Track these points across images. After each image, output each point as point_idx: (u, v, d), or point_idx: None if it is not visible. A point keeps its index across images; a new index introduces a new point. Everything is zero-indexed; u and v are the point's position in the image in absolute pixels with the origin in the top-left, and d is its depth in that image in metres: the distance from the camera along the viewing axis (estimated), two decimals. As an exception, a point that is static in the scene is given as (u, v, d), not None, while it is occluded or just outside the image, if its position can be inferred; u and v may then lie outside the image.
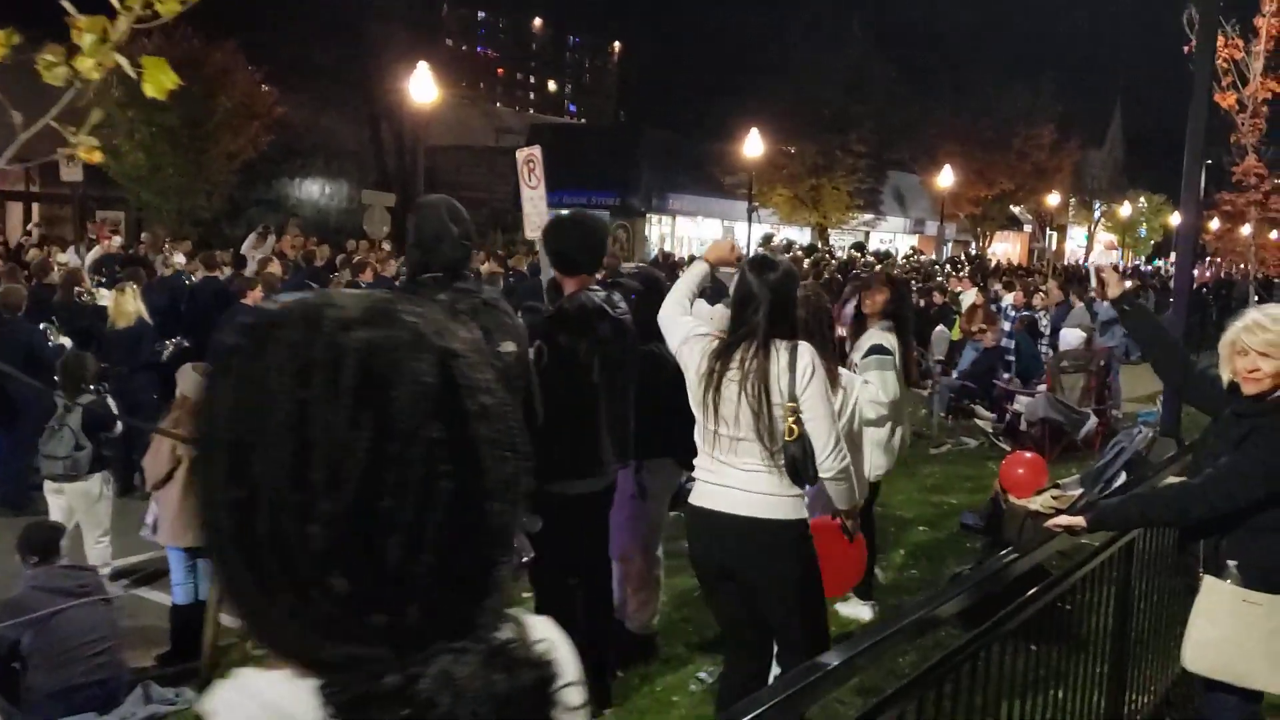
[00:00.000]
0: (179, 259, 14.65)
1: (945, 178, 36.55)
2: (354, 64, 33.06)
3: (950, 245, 43.34)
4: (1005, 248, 48.15)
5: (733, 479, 3.75)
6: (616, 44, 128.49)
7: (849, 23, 37.75)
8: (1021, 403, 11.02)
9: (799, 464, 3.67)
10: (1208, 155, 14.21)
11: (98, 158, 2.97)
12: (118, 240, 16.49)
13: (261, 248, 16.78)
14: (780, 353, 3.69)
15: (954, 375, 13.53)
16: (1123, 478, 5.83)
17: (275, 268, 13.05)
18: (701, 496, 3.88)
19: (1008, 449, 10.98)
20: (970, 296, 16.08)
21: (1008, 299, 15.94)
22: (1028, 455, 6.37)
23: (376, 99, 33.25)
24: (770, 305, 3.69)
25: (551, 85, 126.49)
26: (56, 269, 12.48)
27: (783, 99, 33.87)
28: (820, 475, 3.71)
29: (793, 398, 3.64)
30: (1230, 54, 13.29)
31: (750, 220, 29.46)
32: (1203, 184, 8.56)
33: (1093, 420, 10.45)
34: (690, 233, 38.41)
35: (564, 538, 4.33)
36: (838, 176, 34.96)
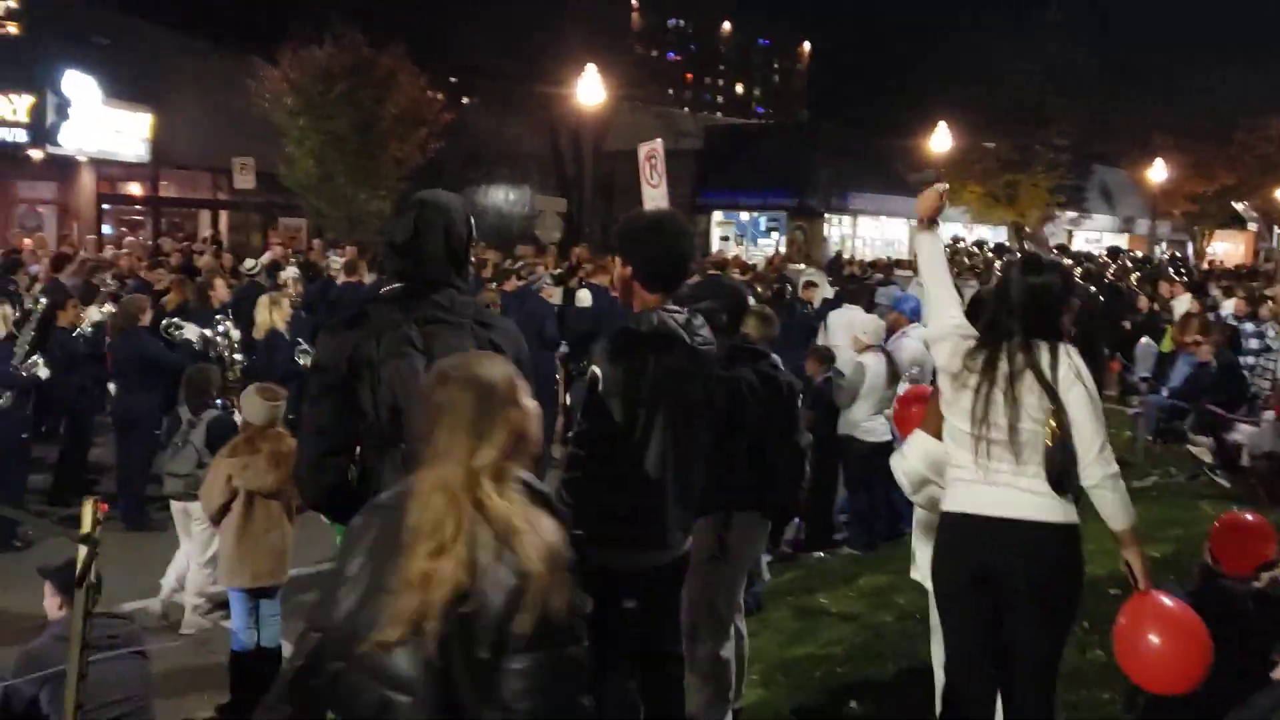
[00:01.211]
0: (336, 264, 14.49)
1: (1157, 172, 33.76)
2: (536, 71, 33.04)
3: (1164, 245, 40.21)
4: (1227, 248, 44.10)
5: (1000, 480, 3.57)
6: (806, 44, 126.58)
7: (1044, 9, 35.21)
8: (1243, 431, 9.30)
9: (1059, 470, 3.49)
10: None
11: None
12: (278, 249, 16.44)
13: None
14: (1042, 353, 3.55)
15: (1163, 393, 11.81)
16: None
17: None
18: (961, 501, 3.67)
19: (1226, 485, 9.31)
20: (1184, 303, 14.23)
21: (1228, 306, 13.98)
22: (1249, 519, 4.89)
23: (554, 105, 33.07)
24: (1029, 307, 3.57)
25: (739, 88, 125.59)
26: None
27: (975, 92, 31.90)
28: (1084, 483, 3.52)
29: (1054, 400, 3.49)
30: None
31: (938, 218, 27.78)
32: None
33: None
34: (872, 233, 36.75)
35: (618, 624, 3.38)
36: (1036, 172, 32.67)
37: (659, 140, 7.17)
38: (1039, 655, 3.61)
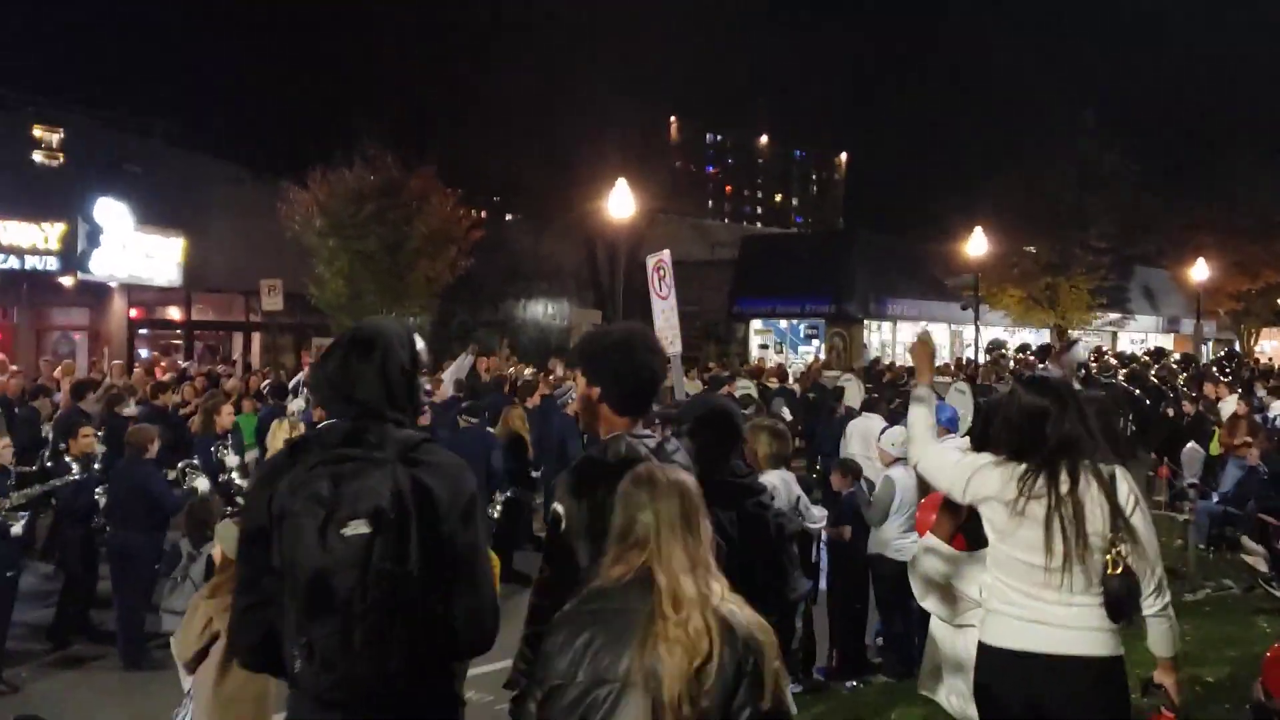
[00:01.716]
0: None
1: (1200, 271, 33.23)
2: (573, 187, 33.57)
3: (1210, 344, 39.43)
4: (1275, 345, 43.17)
5: (1052, 616, 3.38)
6: (843, 155, 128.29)
7: (1081, 112, 35.31)
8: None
9: (1122, 601, 3.34)
10: None
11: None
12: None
13: (452, 367, 16.49)
14: (1092, 479, 3.39)
15: (1214, 498, 11.31)
16: None
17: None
18: (1006, 637, 3.47)
19: (1281, 597, 8.78)
20: (1231, 404, 13.71)
21: (1276, 408, 13.46)
22: None
23: (590, 219, 33.55)
24: (1064, 425, 3.44)
25: (778, 198, 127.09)
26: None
27: (1012, 195, 31.75)
28: (1145, 613, 3.41)
29: (1115, 527, 3.34)
30: None
31: (976, 323, 27.50)
32: None
33: None
34: (912, 338, 36.39)
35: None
36: (1076, 274, 32.29)
37: (666, 251, 7.02)
38: None
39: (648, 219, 35.14)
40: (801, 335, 36.26)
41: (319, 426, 2.97)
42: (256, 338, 26.43)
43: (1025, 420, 3.49)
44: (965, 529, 3.98)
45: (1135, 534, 3.35)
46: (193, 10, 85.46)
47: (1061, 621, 3.37)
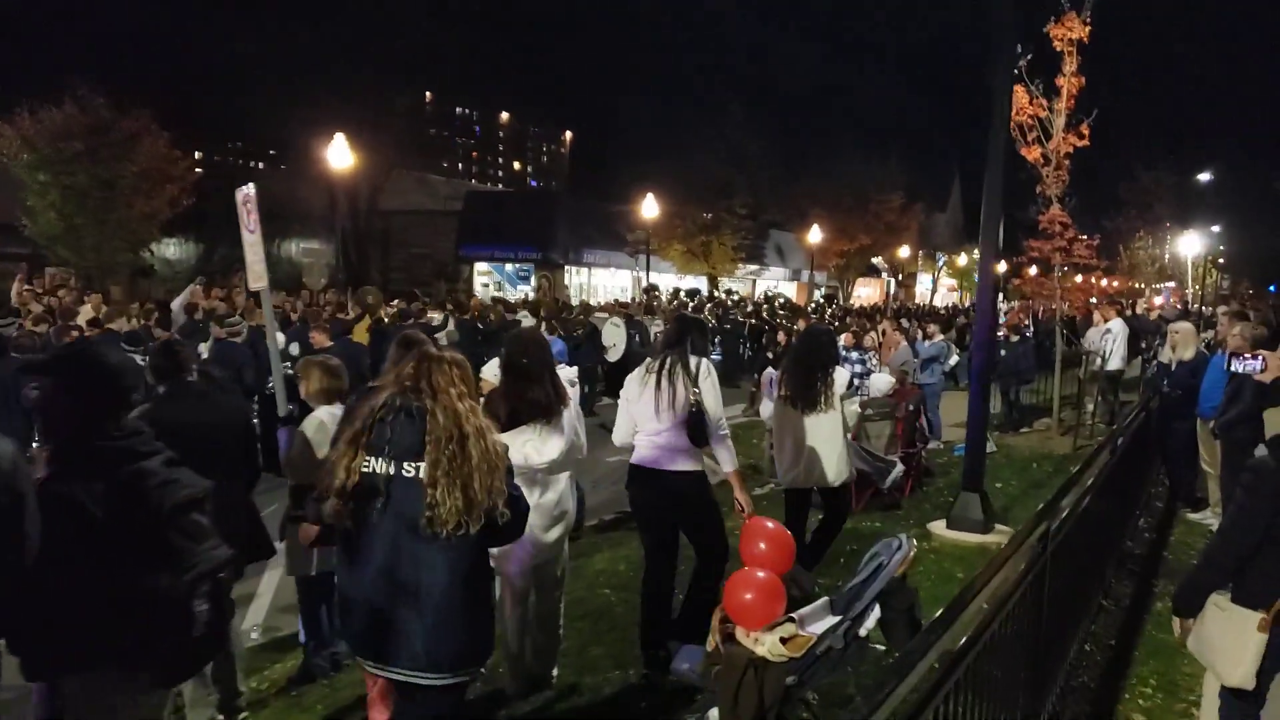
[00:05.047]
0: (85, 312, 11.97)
1: (813, 234, 34.70)
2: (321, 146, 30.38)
3: (822, 290, 41.59)
4: (868, 291, 46.31)
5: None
6: (568, 133, 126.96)
7: (729, 103, 35.82)
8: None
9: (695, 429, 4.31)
10: (1017, 206, 12.10)
11: None
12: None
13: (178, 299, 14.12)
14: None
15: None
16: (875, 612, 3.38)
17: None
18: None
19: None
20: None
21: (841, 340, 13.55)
22: (761, 559, 3.65)
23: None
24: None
25: (516, 165, 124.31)
26: None
27: (676, 169, 31.80)
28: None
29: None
30: (1035, 111, 11.17)
31: (647, 271, 27.64)
32: (1001, 235, 6.90)
33: (899, 468, 8.02)
34: (605, 281, 36.07)
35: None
36: (724, 234, 32.94)
37: (250, 185, 5.55)
38: None
39: (384, 173, 32.55)
40: (515, 276, 35.19)
41: None
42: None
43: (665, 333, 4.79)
44: None
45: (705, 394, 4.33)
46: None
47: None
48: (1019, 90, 10.74)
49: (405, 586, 2.67)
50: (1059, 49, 10.98)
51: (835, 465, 5.50)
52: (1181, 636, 3.41)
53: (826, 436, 5.48)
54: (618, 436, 4.57)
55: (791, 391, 5.54)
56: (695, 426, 4.23)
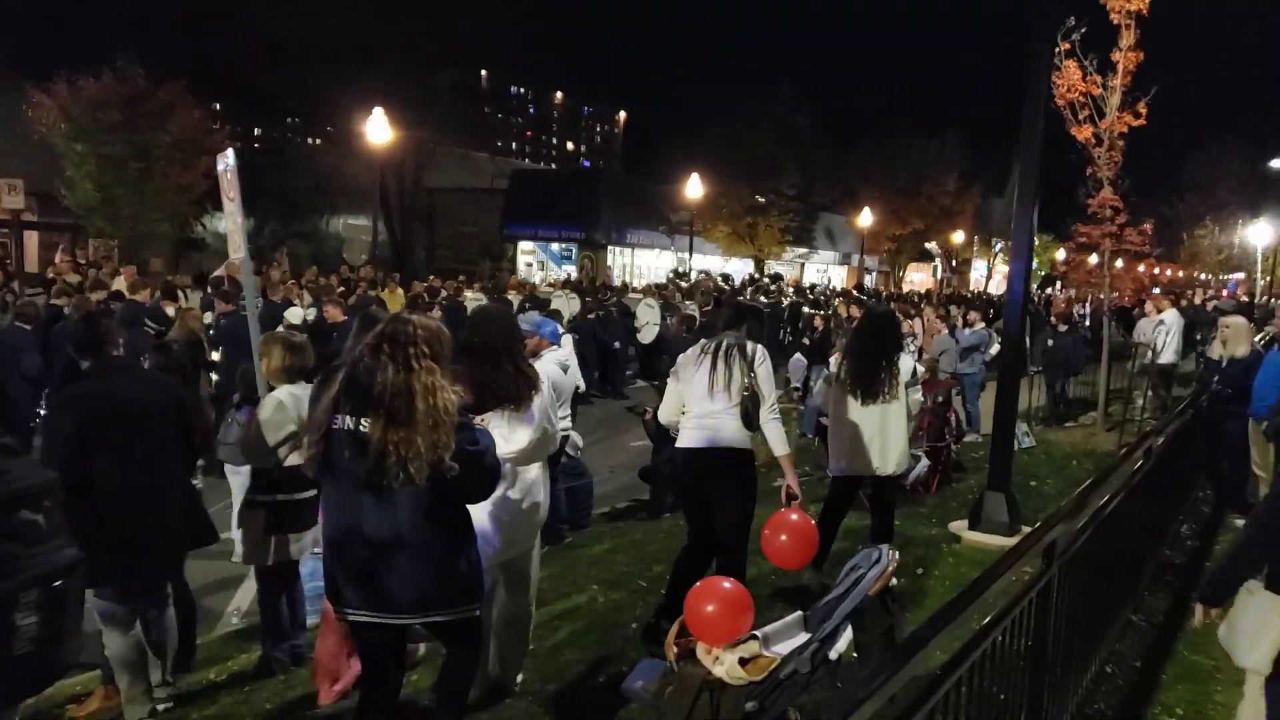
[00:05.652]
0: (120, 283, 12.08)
1: (865, 218, 33.85)
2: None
3: (874, 275, 40.66)
4: (920, 277, 45.16)
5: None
6: (622, 113, 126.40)
7: (779, 80, 35.00)
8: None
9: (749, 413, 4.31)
10: (1065, 189, 11.45)
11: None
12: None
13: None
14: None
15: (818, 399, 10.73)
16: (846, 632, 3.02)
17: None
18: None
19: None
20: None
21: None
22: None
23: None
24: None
25: (569, 145, 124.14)
26: None
27: (722, 148, 31.13)
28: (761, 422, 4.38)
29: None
30: (1089, 88, 10.47)
31: (691, 252, 27.21)
32: (1035, 219, 6.47)
33: (924, 463, 7.58)
34: (649, 262, 35.70)
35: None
36: (771, 216, 32.23)
37: (230, 152, 5.31)
38: None
39: (428, 151, 32.48)
40: (559, 256, 35.05)
41: None
42: (34, 236, 22.26)
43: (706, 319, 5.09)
44: None
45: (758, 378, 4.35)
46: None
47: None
48: (1070, 65, 10.08)
49: (369, 536, 2.88)
50: (1116, 21, 10.27)
51: (896, 455, 5.23)
52: (1200, 623, 3.37)
53: (889, 426, 5.17)
54: (664, 415, 4.64)
55: (852, 378, 5.19)
56: (748, 411, 4.26)
